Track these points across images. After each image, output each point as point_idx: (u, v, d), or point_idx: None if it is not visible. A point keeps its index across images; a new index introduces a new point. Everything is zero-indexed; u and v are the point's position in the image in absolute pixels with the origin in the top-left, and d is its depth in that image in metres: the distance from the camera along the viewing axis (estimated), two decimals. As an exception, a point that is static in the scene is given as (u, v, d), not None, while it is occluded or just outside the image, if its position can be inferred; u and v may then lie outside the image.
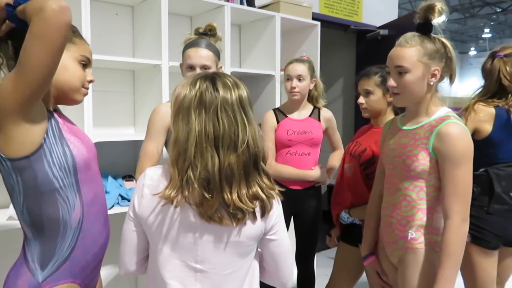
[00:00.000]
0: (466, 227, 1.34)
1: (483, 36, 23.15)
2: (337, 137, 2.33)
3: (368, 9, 3.88)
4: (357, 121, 4.04)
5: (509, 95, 1.82)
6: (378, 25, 3.81)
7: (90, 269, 1.14)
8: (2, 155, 1.00)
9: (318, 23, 3.04)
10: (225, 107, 1.01)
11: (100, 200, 1.19)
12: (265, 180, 1.06)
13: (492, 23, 21.24)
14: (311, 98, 2.26)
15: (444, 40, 1.39)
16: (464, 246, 1.34)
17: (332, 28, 3.80)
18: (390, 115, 1.86)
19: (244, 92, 1.06)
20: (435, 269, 1.35)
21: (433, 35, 1.39)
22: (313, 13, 3.15)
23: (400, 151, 1.44)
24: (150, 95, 2.36)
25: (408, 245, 1.42)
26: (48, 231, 1.06)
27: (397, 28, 3.57)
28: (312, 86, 2.20)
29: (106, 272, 2.36)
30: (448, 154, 1.33)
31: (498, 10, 18.78)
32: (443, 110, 1.42)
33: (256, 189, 1.03)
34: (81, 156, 1.10)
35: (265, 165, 1.08)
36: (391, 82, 1.41)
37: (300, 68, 2.13)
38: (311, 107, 2.25)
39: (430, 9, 1.35)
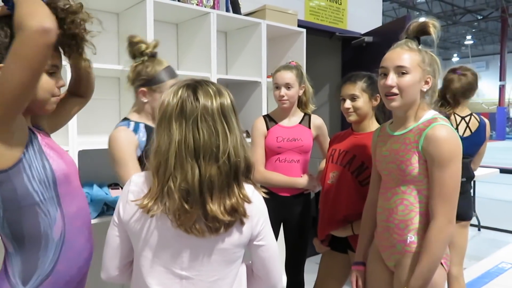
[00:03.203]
0: (451, 228, 1.37)
1: (465, 42, 23.66)
2: (326, 145, 2.31)
3: (353, 16, 3.93)
4: (344, 126, 4.07)
5: (447, 105, 2.42)
6: (362, 32, 3.86)
7: (75, 284, 1.12)
8: None
9: (304, 30, 3.07)
10: (205, 117, 1.00)
11: (84, 214, 1.17)
12: (244, 192, 1.05)
13: (473, 30, 21.72)
14: (300, 103, 2.25)
15: (434, 56, 1.45)
16: (446, 247, 1.39)
17: (318, 35, 3.84)
18: (373, 120, 1.89)
19: (226, 100, 1.05)
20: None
21: (424, 49, 1.44)
22: (299, 20, 3.18)
23: (394, 157, 1.46)
24: (135, 102, 2.34)
25: (407, 248, 1.43)
26: (29, 245, 1.03)
27: (381, 35, 3.62)
28: (301, 92, 2.19)
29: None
30: (435, 156, 1.35)
31: (479, 17, 19.22)
32: (430, 113, 1.45)
33: (235, 200, 1.02)
34: (60, 170, 1.08)
35: (250, 173, 1.08)
36: (390, 81, 1.40)
37: (287, 76, 2.12)
38: (302, 114, 2.24)
39: (425, 26, 1.43)
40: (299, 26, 3.10)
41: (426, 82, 1.43)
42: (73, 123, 1.98)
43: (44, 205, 1.04)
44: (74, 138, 1.98)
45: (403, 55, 1.41)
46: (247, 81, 2.81)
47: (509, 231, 4.70)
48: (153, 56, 1.62)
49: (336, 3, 3.78)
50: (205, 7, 2.59)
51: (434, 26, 1.43)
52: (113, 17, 2.46)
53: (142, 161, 1.56)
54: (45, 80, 1.09)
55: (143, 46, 1.59)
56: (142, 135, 1.60)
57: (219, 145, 1.00)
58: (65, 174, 1.10)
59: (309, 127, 2.22)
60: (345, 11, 3.87)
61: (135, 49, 1.60)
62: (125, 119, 1.66)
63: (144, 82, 1.60)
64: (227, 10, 2.78)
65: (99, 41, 2.16)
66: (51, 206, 1.06)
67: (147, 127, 1.63)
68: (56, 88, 1.13)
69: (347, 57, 4.09)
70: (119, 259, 1.12)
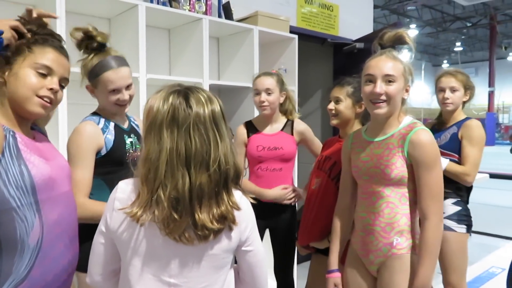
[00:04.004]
0: (442, 226, 1.45)
1: (455, 49, 23.97)
2: (317, 145, 2.28)
3: (344, 23, 3.96)
4: (336, 131, 4.08)
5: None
6: (354, 38, 3.89)
7: None
8: None
9: (296, 36, 3.08)
10: (197, 125, 0.99)
11: (66, 220, 1.15)
12: (233, 199, 1.05)
13: (463, 37, 22.01)
14: (285, 112, 2.23)
15: (411, 66, 1.52)
16: (440, 244, 1.45)
17: (310, 41, 3.86)
18: (357, 127, 1.89)
19: (217, 107, 1.04)
20: None
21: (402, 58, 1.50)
22: (291, 27, 3.19)
23: (376, 162, 1.50)
24: (127, 108, 2.33)
25: (393, 250, 1.47)
26: (5, 250, 1.02)
27: (372, 42, 3.63)
28: (282, 99, 2.16)
29: None
30: (422, 160, 1.42)
31: (469, 24, 19.48)
32: (408, 119, 1.52)
33: (224, 208, 1.01)
34: (41, 176, 1.07)
35: (239, 180, 1.07)
36: (379, 89, 1.44)
37: (268, 82, 2.09)
38: (284, 120, 2.22)
39: (402, 36, 1.50)
40: (291, 32, 3.11)
41: (406, 90, 1.50)
42: (63, 128, 1.96)
43: (21, 210, 1.03)
44: (64, 143, 1.96)
45: (389, 63, 1.45)
46: (239, 86, 2.82)
47: (500, 236, 4.74)
48: (101, 48, 1.52)
49: (327, 9, 3.81)
50: (197, 13, 2.59)
51: (409, 36, 1.50)
52: (105, 22, 2.45)
53: (103, 160, 1.50)
54: (27, 75, 1.09)
55: (79, 37, 1.48)
56: (110, 135, 1.54)
57: (210, 153, 1.00)
58: (46, 180, 1.08)
59: (292, 134, 2.20)
60: (337, 18, 3.90)
61: (77, 44, 1.49)
62: (96, 113, 1.60)
63: (88, 77, 1.53)
64: (219, 16, 2.79)
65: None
66: (29, 212, 1.04)
67: (116, 127, 1.57)
68: (46, 89, 1.11)
69: (339, 63, 4.11)
70: (102, 265, 1.10)
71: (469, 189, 2.16)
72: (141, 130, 1.57)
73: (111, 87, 1.51)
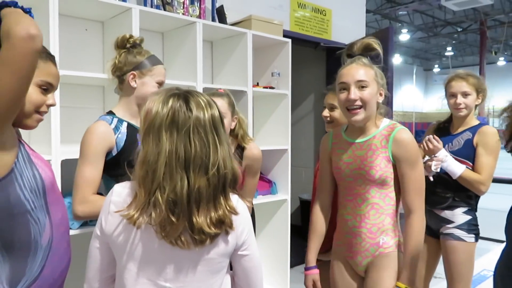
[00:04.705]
0: (425, 219, 1.53)
1: (446, 54, 24.21)
2: (249, 186, 1.93)
3: (337, 27, 3.98)
4: (328, 136, 4.10)
5: None
6: (346, 42, 3.90)
7: (56, 287, 1.15)
8: None
9: (289, 40, 3.10)
10: (197, 128, 0.99)
11: (66, 219, 1.20)
12: (230, 203, 1.05)
13: (453, 41, 22.23)
14: (236, 137, 1.91)
15: (381, 72, 1.58)
16: (424, 235, 1.52)
17: (303, 45, 3.88)
18: None
19: (216, 111, 1.05)
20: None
21: (374, 64, 1.58)
22: (284, 31, 3.20)
23: (360, 163, 1.54)
24: (120, 111, 2.32)
25: (380, 250, 1.53)
26: (19, 252, 1.05)
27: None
28: (233, 124, 1.86)
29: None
30: (406, 157, 1.49)
31: (459, 29, 19.69)
32: (386, 121, 1.59)
33: (221, 212, 1.01)
34: (48, 178, 1.11)
35: (237, 184, 1.07)
36: (353, 95, 1.49)
37: (218, 104, 1.72)
38: (234, 147, 1.91)
39: (370, 44, 1.57)
40: (284, 36, 3.12)
41: (380, 94, 1.56)
42: (56, 132, 1.95)
43: (34, 213, 1.07)
44: (57, 147, 1.95)
45: (361, 70, 1.51)
46: (233, 90, 2.80)
47: (490, 239, 4.77)
48: (137, 45, 1.67)
49: (320, 14, 3.83)
50: (191, 16, 2.59)
51: (377, 44, 1.57)
52: (98, 25, 2.44)
53: (116, 160, 1.53)
54: (33, 92, 1.11)
55: (128, 35, 1.65)
56: (122, 135, 1.57)
57: (209, 157, 1.00)
58: (51, 182, 1.13)
59: (241, 164, 1.90)
60: (330, 22, 3.92)
61: (120, 39, 1.64)
62: (111, 112, 1.65)
63: (134, 66, 1.61)
64: (213, 20, 2.79)
65: (84, 50, 2.15)
66: (41, 213, 1.08)
67: (129, 127, 1.60)
68: (45, 105, 1.15)
69: (332, 67, 4.12)
70: (99, 271, 1.10)
71: (478, 197, 2.12)
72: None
73: (161, 79, 1.64)
